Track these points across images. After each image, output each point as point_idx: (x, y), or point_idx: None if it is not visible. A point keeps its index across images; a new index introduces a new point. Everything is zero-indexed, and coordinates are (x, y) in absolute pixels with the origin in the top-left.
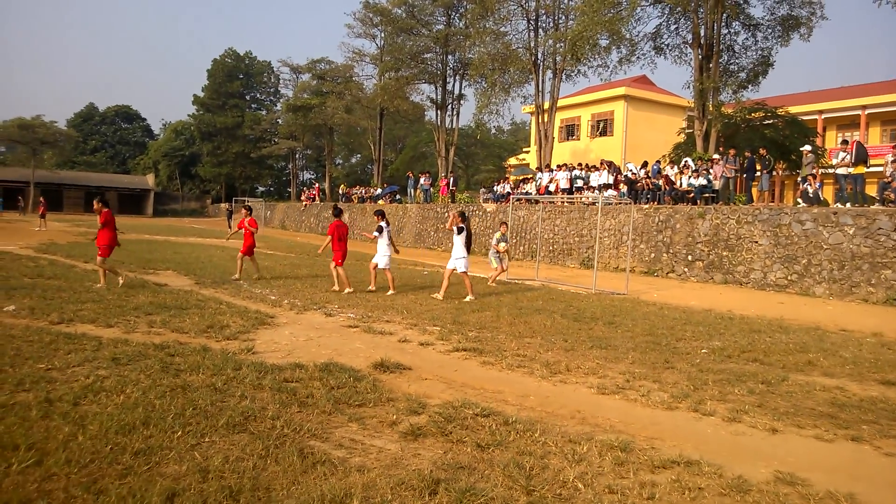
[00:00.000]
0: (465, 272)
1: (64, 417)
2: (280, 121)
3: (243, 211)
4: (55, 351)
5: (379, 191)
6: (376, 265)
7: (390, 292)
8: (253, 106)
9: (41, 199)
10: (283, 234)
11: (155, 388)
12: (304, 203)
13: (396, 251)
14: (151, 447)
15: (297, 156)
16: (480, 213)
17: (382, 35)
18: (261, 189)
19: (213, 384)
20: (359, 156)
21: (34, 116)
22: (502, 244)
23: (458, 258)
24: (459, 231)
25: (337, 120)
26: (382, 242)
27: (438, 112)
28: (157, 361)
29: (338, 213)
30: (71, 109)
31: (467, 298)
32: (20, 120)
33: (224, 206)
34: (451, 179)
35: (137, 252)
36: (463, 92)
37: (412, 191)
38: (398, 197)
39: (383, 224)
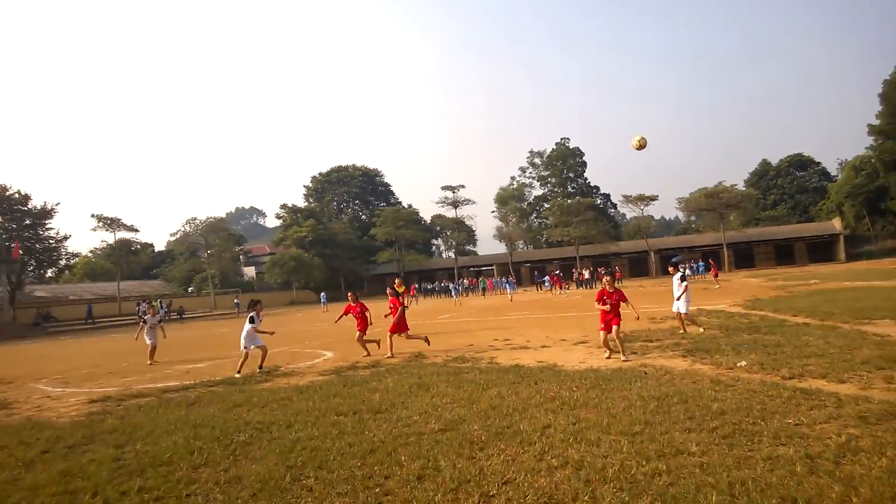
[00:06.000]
0: None
1: (829, 476)
2: None
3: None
4: (797, 406)
5: None
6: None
7: None
8: None
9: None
10: None
11: None
12: None
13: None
14: None
15: None
16: None
17: None
18: None
19: None
20: None
21: (716, 184)
22: None
23: None
24: None
25: None
26: None
27: None
28: None
29: None
30: (745, 169)
31: None
32: (705, 189)
33: None
34: None
35: (846, 301)
36: None
37: None
38: None
39: None
